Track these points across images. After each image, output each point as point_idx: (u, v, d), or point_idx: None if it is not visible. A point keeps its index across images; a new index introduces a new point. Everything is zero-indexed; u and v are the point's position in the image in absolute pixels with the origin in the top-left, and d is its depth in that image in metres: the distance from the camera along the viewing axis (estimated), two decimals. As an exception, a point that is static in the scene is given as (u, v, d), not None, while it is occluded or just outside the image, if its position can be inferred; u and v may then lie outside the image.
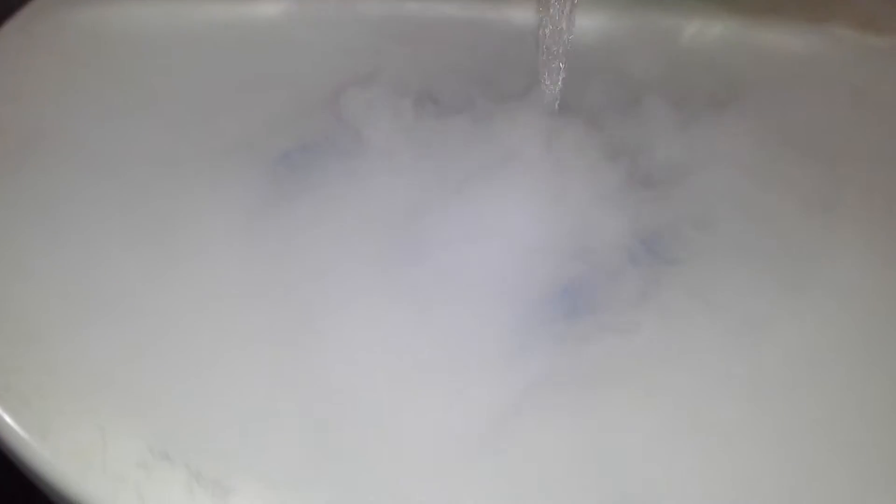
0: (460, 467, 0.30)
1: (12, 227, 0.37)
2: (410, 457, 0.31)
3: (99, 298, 0.35)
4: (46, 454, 0.29)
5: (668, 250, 0.38)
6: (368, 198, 0.40)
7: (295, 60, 0.46)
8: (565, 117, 0.43)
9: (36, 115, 0.42)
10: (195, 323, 0.34)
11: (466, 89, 0.44)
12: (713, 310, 0.35)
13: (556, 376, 0.33)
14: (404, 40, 0.46)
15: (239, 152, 0.41)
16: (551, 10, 0.41)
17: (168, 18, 0.47)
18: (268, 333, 0.34)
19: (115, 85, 0.44)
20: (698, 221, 0.39)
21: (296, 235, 0.38)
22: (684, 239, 0.38)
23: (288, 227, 0.39)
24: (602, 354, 0.34)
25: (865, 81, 0.44)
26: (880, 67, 0.45)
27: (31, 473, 0.30)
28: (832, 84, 0.44)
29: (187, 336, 0.34)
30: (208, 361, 0.33)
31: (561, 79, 0.42)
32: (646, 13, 0.47)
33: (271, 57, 0.46)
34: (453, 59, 0.46)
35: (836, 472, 0.30)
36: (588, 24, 0.46)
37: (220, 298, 0.35)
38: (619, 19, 0.47)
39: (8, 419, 0.30)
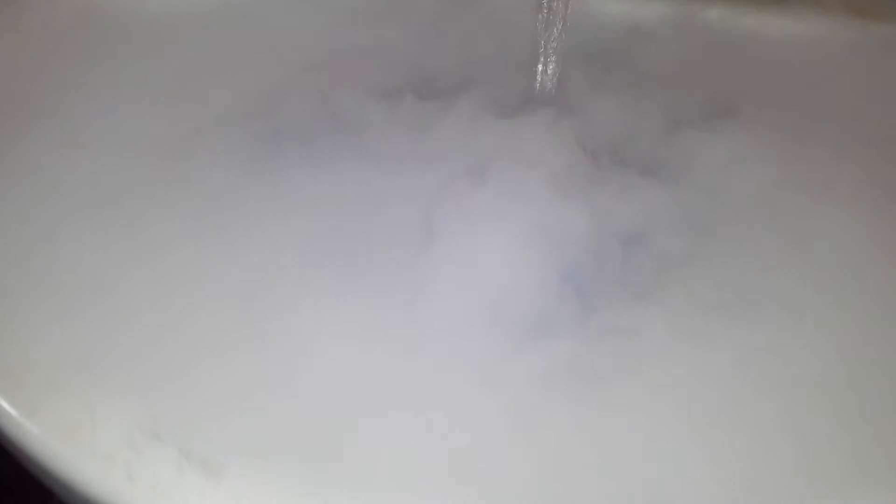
0: (456, 456, 0.30)
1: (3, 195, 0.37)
2: (403, 437, 0.31)
3: (86, 278, 0.35)
4: (35, 433, 0.29)
5: (671, 246, 0.38)
6: (338, 186, 0.40)
7: (276, 39, 0.46)
8: (558, 106, 0.43)
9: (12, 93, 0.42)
10: (184, 302, 0.34)
11: (455, 73, 0.44)
12: (715, 307, 0.35)
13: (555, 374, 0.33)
14: (391, 19, 0.46)
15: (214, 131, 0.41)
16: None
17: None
18: (258, 312, 0.34)
19: (92, 64, 0.44)
20: (701, 216, 0.39)
21: (267, 218, 0.38)
22: (687, 233, 0.38)
23: (262, 209, 0.38)
24: (601, 352, 0.34)
25: (866, 69, 0.44)
26: (881, 55, 0.45)
27: (19, 453, 0.30)
28: (833, 71, 0.44)
29: (177, 315, 0.34)
30: (198, 341, 0.33)
31: (555, 67, 0.42)
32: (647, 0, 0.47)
33: (248, 34, 0.46)
34: (443, 41, 0.46)
35: (837, 467, 0.30)
36: (585, 10, 0.46)
37: (208, 278, 0.35)
38: (619, 5, 0.47)
39: (-5, 397, 0.30)
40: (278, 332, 0.34)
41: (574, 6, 0.42)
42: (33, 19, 0.46)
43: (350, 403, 0.31)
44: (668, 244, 0.38)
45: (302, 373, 0.32)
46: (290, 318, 0.34)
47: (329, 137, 0.42)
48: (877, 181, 0.40)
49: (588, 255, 0.37)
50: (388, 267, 0.36)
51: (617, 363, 0.33)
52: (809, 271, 0.36)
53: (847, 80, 0.44)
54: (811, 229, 0.38)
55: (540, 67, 0.43)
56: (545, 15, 0.42)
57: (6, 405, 0.30)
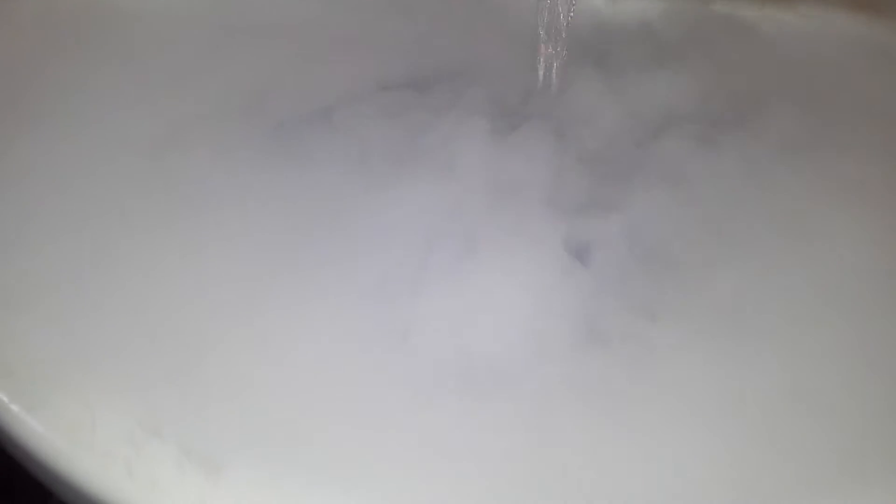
0: (456, 459, 0.30)
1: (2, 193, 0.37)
2: (404, 436, 0.30)
3: (86, 276, 0.35)
4: (34, 430, 0.29)
5: (676, 247, 0.38)
6: (335, 187, 0.39)
7: (273, 32, 0.46)
8: (562, 102, 0.43)
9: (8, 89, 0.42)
10: (184, 300, 0.34)
11: (459, 67, 0.43)
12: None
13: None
14: (392, 12, 0.46)
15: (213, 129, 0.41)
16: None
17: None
18: (258, 311, 0.34)
19: (88, 60, 0.44)
20: (710, 218, 0.39)
21: (266, 217, 0.38)
22: (695, 235, 0.38)
23: (261, 208, 0.38)
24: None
25: (870, 64, 0.44)
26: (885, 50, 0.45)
27: (19, 450, 0.30)
28: (837, 66, 0.44)
29: (177, 313, 0.34)
30: (198, 338, 0.33)
31: (559, 60, 0.42)
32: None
33: (246, 28, 0.46)
34: (448, 34, 0.45)
35: (838, 468, 0.30)
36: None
37: (208, 277, 0.35)
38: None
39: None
40: (278, 331, 0.33)
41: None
42: (29, 14, 0.46)
43: (350, 402, 0.31)
44: (674, 245, 0.38)
45: (302, 371, 0.32)
46: (291, 316, 0.34)
47: (326, 136, 0.41)
48: (881, 179, 0.40)
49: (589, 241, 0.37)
50: (385, 269, 0.36)
51: (622, 365, 0.33)
52: (810, 272, 0.36)
53: (851, 75, 0.44)
54: (814, 229, 0.38)
55: (542, 62, 0.43)
56: (546, 14, 0.42)
57: (6, 402, 0.29)
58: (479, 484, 0.29)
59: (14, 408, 0.29)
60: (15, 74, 0.43)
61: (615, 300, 0.35)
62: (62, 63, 0.44)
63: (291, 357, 0.33)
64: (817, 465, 0.30)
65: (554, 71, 0.43)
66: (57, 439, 0.29)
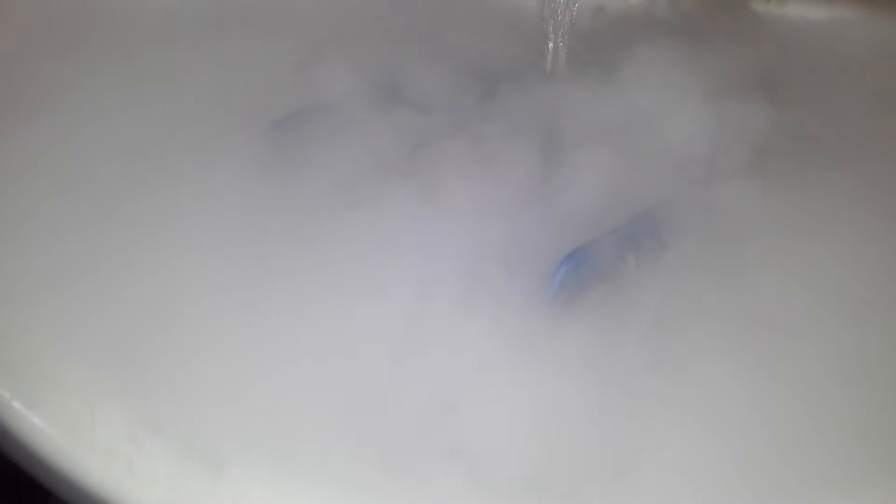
0: (454, 453, 0.30)
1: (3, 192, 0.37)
2: (406, 432, 0.30)
3: (87, 275, 0.34)
4: (35, 428, 0.29)
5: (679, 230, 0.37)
6: (338, 188, 0.39)
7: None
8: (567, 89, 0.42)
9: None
10: (186, 298, 0.34)
11: (466, 61, 0.43)
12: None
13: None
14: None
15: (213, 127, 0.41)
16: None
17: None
18: (261, 307, 0.34)
19: (86, 59, 0.44)
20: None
21: (268, 216, 0.38)
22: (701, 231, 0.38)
23: (260, 208, 0.38)
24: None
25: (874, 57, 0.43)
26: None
27: (19, 448, 0.29)
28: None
29: (178, 311, 0.33)
30: (201, 335, 0.33)
31: (563, 52, 0.42)
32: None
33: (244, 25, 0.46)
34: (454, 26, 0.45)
35: (838, 467, 0.30)
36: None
37: (210, 275, 0.35)
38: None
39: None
40: (279, 330, 0.33)
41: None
42: (26, 13, 0.46)
43: (351, 402, 0.31)
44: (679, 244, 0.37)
45: (303, 370, 0.32)
46: (291, 316, 0.34)
47: (329, 132, 0.41)
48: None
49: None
50: (382, 269, 0.36)
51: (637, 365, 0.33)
52: (810, 275, 0.36)
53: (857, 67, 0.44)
54: (818, 227, 0.38)
55: (549, 55, 0.43)
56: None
57: (7, 399, 0.29)
58: (479, 487, 0.29)
59: (15, 405, 0.29)
60: (12, 70, 0.43)
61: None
62: (58, 62, 0.44)
63: (292, 356, 0.33)
64: (818, 466, 0.30)
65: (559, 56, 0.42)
66: (58, 437, 0.29)
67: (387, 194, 0.38)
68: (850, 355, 0.33)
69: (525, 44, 0.44)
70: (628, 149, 0.39)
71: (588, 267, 0.34)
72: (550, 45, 0.42)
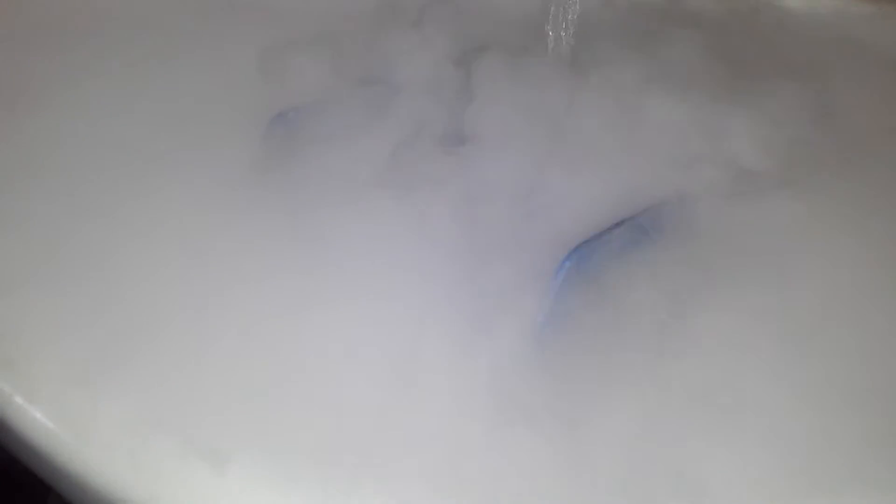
0: (458, 446, 0.30)
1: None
2: (408, 428, 0.30)
3: (91, 270, 0.34)
4: (37, 422, 0.29)
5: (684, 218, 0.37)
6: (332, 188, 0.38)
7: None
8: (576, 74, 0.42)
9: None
10: (189, 294, 0.34)
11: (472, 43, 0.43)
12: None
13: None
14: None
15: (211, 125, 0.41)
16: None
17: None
18: (265, 303, 0.34)
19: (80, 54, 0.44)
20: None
21: (267, 215, 0.37)
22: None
23: (259, 208, 0.38)
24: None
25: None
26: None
27: (21, 442, 0.29)
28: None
29: (182, 306, 0.33)
30: (204, 329, 0.32)
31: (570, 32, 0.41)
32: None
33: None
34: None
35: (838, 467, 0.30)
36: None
37: (212, 271, 0.35)
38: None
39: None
40: (284, 326, 0.33)
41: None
42: (26, 10, 0.46)
43: (356, 397, 0.31)
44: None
45: (308, 364, 0.32)
46: (296, 312, 0.34)
47: (324, 127, 0.41)
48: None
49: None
50: (382, 269, 0.36)
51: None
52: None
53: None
54: (826, 224, 0.38)
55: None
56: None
57: (8, 394, 0.29)
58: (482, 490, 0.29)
59: (17, 400, 0.29)
60: (14, 63, 0.43)
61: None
62: (54, 61, 0.43)
63: (296, 351, 0.32)
64: (819, 465, 0.30)
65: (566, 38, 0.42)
66: (60, 431, 0.28)
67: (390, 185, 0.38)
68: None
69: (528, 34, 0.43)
70: (631, 142, 0.39)
71: (594, 261, 0.34)
72: (552, 33, 0.41)
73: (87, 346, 0.31)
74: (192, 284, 0.34)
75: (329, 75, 0.43)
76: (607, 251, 0.35)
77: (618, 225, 0.36)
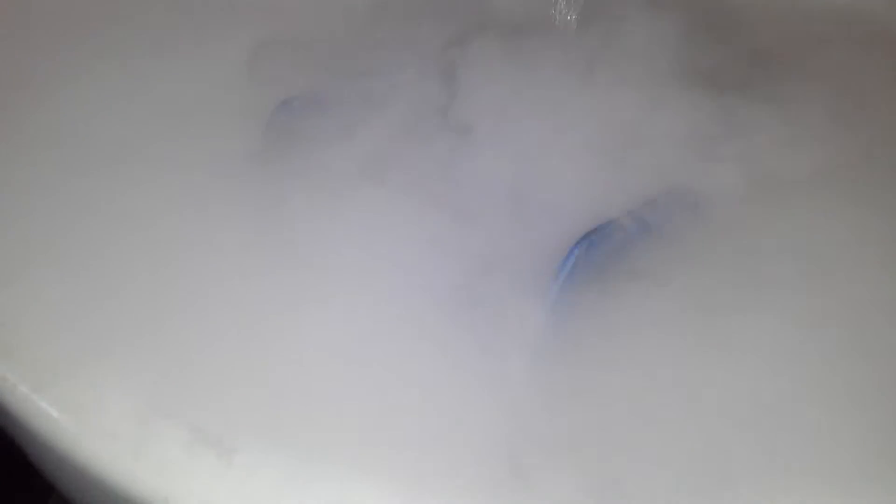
0: (468, 436, 0.30)
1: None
2: (410, 422, 0.30)
3: (95, 261, 0.34)
4: (40, 410, 0.28)
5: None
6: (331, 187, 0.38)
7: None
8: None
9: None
10: (195, 283, 0.33)
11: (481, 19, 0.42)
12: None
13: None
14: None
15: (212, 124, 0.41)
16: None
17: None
18: (265, 294, 0.33)
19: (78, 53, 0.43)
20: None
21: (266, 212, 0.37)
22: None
23: (258, 206, 0.38)
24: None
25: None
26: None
27: (25, 433, 0.29)
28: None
29: (187, 295, 0.33)
30: (210, 318, 0.32)
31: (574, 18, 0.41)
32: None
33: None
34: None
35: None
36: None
37: (217, 262, 0.34)
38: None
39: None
40: (290, 314, 0.33)
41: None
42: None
43: (363, 386, 0.31)
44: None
45: (314, 354, 0.32)
46: (300, 301, 0.33)
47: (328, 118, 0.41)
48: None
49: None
50: (382, 269, 0.35)
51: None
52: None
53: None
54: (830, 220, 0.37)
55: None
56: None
57: (13, 383, 0.29)
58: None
59: (21, 389, 0.29)
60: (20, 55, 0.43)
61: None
62: (52, 60, 0.43)
63: (302, 339, 0.32)
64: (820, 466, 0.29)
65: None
66: (64, 420, 0.28)
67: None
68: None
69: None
70: (634, 133, 0.39)
71: (602, 248, 0.34)
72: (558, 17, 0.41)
73: (91, 335, 0.31)
74: (194, 275, 0.34)
75: (325, 69, 0.43)
76: (616, 241, 0.35)
77: (626, 216, 0.35)
